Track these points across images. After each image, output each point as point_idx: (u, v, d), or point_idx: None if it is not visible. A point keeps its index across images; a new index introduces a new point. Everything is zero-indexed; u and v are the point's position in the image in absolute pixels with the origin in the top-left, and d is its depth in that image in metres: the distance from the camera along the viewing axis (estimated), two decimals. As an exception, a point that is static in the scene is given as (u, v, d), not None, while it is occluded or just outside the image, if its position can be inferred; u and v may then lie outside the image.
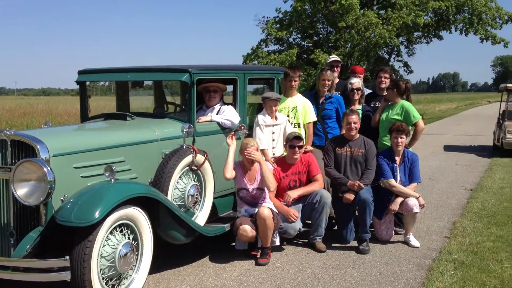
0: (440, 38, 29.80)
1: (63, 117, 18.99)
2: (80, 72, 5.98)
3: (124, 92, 6.61)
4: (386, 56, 30.48)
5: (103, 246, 4.06)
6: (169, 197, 4.81)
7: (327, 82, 6.58)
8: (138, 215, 4.37)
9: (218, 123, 5.78)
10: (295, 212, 5.71)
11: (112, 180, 4.25)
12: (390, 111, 6.42)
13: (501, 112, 15.42)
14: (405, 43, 29.95)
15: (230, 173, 5.44)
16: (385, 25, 24.07)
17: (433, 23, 27.73)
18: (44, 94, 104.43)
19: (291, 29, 27.67)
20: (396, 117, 6.32)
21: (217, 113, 5.88)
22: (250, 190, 5.60)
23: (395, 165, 6.09)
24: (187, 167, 5.11)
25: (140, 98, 7.27)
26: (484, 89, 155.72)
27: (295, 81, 6.35)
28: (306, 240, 6.07)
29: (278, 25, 27.51)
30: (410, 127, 6.33)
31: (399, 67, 31.49)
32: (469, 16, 26.70)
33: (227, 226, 5.49)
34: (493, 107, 26.58)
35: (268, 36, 27.77)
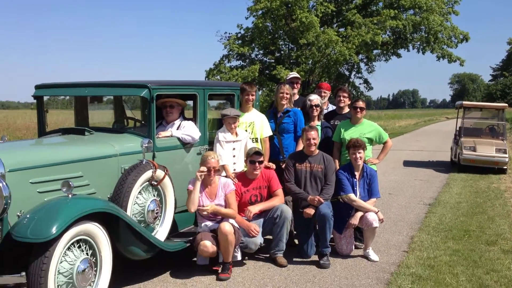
0: (398, 56, 30.58)
1: (21, 131, 18.52)
2: (38, 87, 5.88)
3: (83, 107, 6.52)
4: (347, 73, 31.09)
5: (61, 262, 3.98)
6: (128, 212, 4.76)
7: (285, 95, 6.65)
8: (96, 230, 4.30)
9: (179, 138, 5.76)
10: (256, 227, 5.72)
11: (70, 196, 4.18)
12: (355, 129, 6.55)
13: (457, 128, 15.88)
14: (364, 60, 30.62)
15: (195, 207, 5.46)
16: (344, 43, 24.57)
17: (391, 41, 28.47)
18: (3, 108, 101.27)
19: (253, 45, 27.94)
20: (369, 135, 6.58)
21: (177, 129, 5.87)
22: (211, 206, 5.59)
23: (355, 180, 6.19)
24: (147, 182, 5.07)
25: (99, 112, 7.18)
26: (442, 106, 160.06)
27: (252, 95, 6.40)
28: (267, 255, 6.08)
29: (240, 41, 27.73)
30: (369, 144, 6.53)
31: (360, 83, 32.19)
32: (426, 35, 27.51)
33: (187, 242, 5.45)
34: (451, 124, 27.32)
35: (230, 52, 27.96)
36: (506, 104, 15.83)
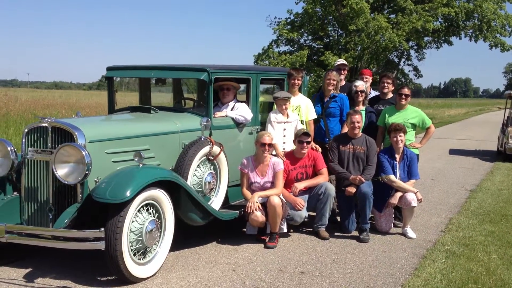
0: (450, 43, 30.16)
1: (85, 109, 19.59)
2: (109, 68, 6.53)
3: (146, 88, 7.16)
4: (396, 60, 30.92)
5: (132, 222, 4.60)
6: (188, 182, 5.35)
7: (332, 81, 7.09)
8: (162, 196, 4.91)
9: (233, 119, 6.31)
10: (301, 201, 6.23)
11: (141, 165, 4.80)
12: (399, 114, 6.93)
13: (505, 118, 15.82)
14: (415, 47, 30.37)
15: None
16: (394, 30, 24.52)
17: (443, 28, 28.12)
18: (56, 88, 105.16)
19: (302, 30, 28.17)
20: (412, 121, 6.99)
21: (231, 110, 6.41)
22: (262, 183, 6.12)
23: (395, 162, 6.59)
24: (205, 157, 5.65)
25: (160, 93, 7.81)
26: (496, 96, 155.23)
27: (298, 80, 6.87)
28: (311, 229, 6.58)
29: (289, 26, 28.01)
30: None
31: (409, 71, 31.98)
32: (479, 23, 27.06)
33: (239, 212, 6.01)
34: (503, 114, 26.73)
35: (280, 37, 28.29)
36: (557, 95, 15.60)
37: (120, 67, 6.57)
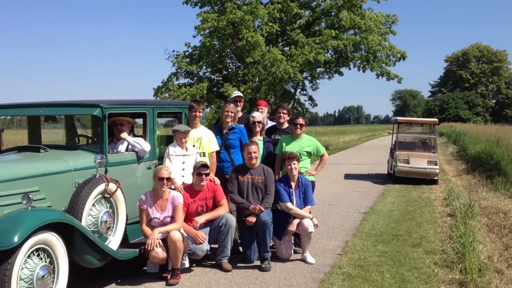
0: (341, 74, 31.86)
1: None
2: (-7, 107, 6.19)
3: (36, 126, 6.85)
4: (292, 90, 32.06)
5: (22, 269, 4.35)
6: (83, 223, 5.14)
7: (230, 113, 7.22)
8: (54, 240, 4.68)
9: (128, 146, 6.18)
10: (202, 234, 6.21)
11: (29, 208, 4.55)
12: (295, 143, 7.19)
13: (393, 142, 16.89)
14: (309, 78, 31.72)
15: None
16: (289, 61, 25.48)
17: (333, 60, 29.65)
18: None
19: (201, 63, 28.44)
20: (308, 149, 7.28)
21: (127, 145, 6.30)
22: (162, 218, 6.03)
23: (291, 190, 6.80)
24: (100, 195, 5.47)
25: (51, 131, 7.50)
26: (386, 121, 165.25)
27: (199, 112, 6.93)
28: (214, 262, 6.56)
29: (188, 59, 28.18)
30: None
31: (305, 100, 33.26)
32: (366, 54, 28.85)
33: (139, 250, 5.86)
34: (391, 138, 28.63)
35: (179, 70, 28.36)
36: (437, 120, 16.93)
37: (5, 106, 6.25)
